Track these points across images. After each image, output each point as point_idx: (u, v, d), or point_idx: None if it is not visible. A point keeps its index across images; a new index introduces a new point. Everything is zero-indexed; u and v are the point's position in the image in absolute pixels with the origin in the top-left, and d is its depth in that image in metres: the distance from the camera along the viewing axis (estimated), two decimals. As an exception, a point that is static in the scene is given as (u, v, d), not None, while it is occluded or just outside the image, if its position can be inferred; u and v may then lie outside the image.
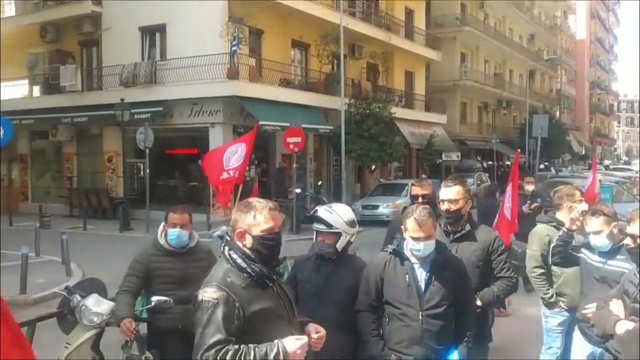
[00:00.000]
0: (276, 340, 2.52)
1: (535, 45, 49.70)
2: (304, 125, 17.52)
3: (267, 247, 2.64)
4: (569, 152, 50.95)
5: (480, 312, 3.89)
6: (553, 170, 33.80)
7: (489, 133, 37.68)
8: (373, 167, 24.54)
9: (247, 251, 2.64)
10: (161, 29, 20.31)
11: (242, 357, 2.43)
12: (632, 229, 3.24)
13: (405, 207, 14.91)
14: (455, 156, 30.55)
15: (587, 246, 4.02)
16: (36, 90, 23.98)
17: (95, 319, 3.90)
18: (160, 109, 19.24)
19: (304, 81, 23.19)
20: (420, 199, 4.60)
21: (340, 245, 3.69)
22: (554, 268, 4.71)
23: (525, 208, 8.25)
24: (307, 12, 20.95)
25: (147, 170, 17.97)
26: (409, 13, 30.68)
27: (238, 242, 2.66)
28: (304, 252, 5.43)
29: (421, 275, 3.42)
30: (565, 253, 4.21)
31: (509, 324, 7.10)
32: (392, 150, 23.11)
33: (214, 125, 19.14)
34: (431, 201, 4.47)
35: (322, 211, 3.71)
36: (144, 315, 4.42)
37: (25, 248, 9.40)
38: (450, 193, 3.92)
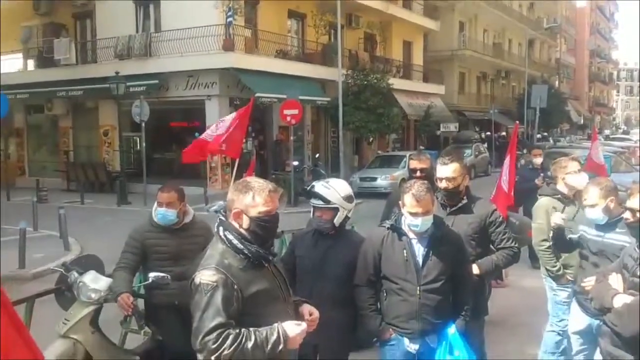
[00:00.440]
0: (276, 325, 2.51)
1: (535, 14, 49.11)
2: (301, 97, 17.37)
3: (264, 229, 2.61)
4: (567, 122, 50.80)
5: (477, 286, 3.89)
6: (551, 141, 33.71)
7: (487, 103, 37.45)
8: (371, 138, 24.44)
9: (243, 232, 2.60)
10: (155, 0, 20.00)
11: (243, 341, 2.42)
12: (631, 202, 3.21)
13: (403, 179, 15.05)
14: (453, 127, 30.42)
15: (587, 220, 4.01)
16: (30, 64, 23.74)
17: (93, 295, 3.90)
18: (156, 81, 19.06)
19: (301, 52, 22.93)
20: (418, 173, 4.58)
21: (337, 220, 3.68)
22: None
23: (538, 181, 8.00)
24: (303, -18, 20.62)
25: (144, 144, 17.90)
26: (407, -19, 30.23)
27: (234, 223, 2.62)
28: (301, 225, 5.44)
29: (419, 250, 3.41)
30: (562, 240, 4.22)
31: (507, 295, 7.14)
32: (390, 122, 23.00)
33: (210, 97, 18.98)
34: (429, 175, 4.45)
35: (319, 187, 3.68)
36: (142, 291, 4.42)
37: (23, 223, 9.39)
38: (447, 171, 3.88)
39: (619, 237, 3.77)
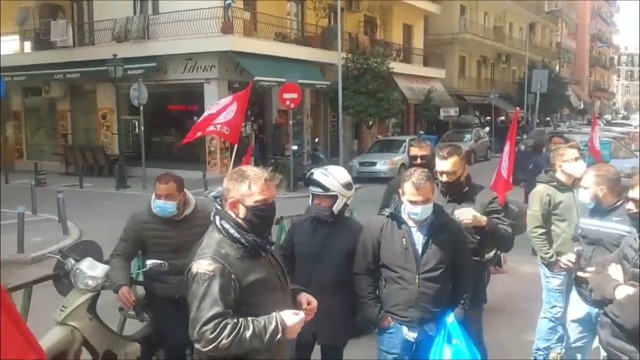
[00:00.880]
0: (274, 314, 2.50)
1: (536, -3, 48.70)
2: (300, 81, 17.25)
3: (261, 218, 2.58)
4: (567, 106, 50.61)
5: (476, 275, 3.88)
6: (552, 126, 33.59)
7: (487, 88, 37.25)
8: (370, 123, 24.34)
9: (240, 221, 2.57)
10: (153, -19, 19.82)
11: (241, 331, 2.41)
12: (634, 193, 3.18)
13: (403, 164, 15.01)
14: (453, 111, 30.30)
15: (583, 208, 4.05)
16: (27, 46, 23.53)
17: (90, 282, 3.88)
18: (154, 64, 18.92)
19: (300, 35, 22.73)
20: (418, 160, 4.56)
21: (336, 208, 3.66)
22: (553, 227, 4.72)
23: None
24: (302, -37, 20.39)
25: (142, 127, 17.81)
26: (408, -36, 29.89)
27: (230, 212, 2.59)
28: (300, 211, 5.41)
29: (418, 238, 3.39)
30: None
31: (505, 282, 7.16)
32: (390, 106, 22.88)
33: (209, 81, 18.85)
34: (430, 162, 4.42)
35: (318, 174, 3.65)
36: (140, 278, 4.40)
37: (21, 207, 9.36)
38: (446, 165, 3.86)
39: (616, 226, 3.78)
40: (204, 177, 16.12)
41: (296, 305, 2.75)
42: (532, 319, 5.30)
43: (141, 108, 17.32)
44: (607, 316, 2.93)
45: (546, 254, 4.71)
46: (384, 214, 3.54)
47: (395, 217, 3.44)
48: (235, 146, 6.88)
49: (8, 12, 21.86)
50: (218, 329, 2.38)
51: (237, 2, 18.55)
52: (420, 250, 3.37)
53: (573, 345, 4.26)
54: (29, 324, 3.79)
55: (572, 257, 3.91)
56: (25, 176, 17.10)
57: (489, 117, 32.29)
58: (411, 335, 3.43)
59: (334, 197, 3.62)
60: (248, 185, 2.55)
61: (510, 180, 5.89)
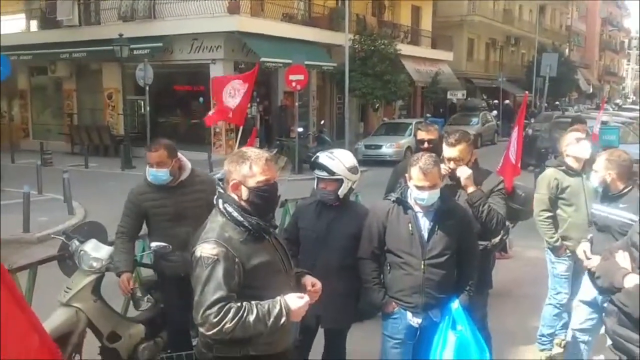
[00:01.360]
0: (278, 298, 2.49)
1: (547, -21, 48.02)
2: (306, 62, 17.13)
3: (263, 199, 2.56)
4: (576, 90, 50.14)
5: (482, 260, 3.84)
6: (560, 110, 33.32)
7: (495, 71, 36.92)
8: (377, 105, 24.20)
9: (243, 203, 2.55)
10: (159, -41, 19.60)
11: (244, 315, 2.40)
12: None
13: (409, 147, 14.90)
14: (460, 95, 30.09)
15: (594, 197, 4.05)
16: (33, 25, 23.43)
17: (94, 264, 3.87)
18: (160, 44, 18.82)
19: (307, 16, 22.53)
20: (426, 144, 4.51)
21: (342, 191, 3.63)
22: (559, 212, 4.69)
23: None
24: (310, -57, 20.14)
25: (148, 108, 17.77)
26: (417, -56, 29.50)
27: (233, 194, 2.57)
28: (305, 194, 5.38)
29: (424, 224, 3.36)
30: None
31: (511, 267, 7.13)
32: (397, 89, 22.73)
33: (215, 61, 18.75)
34: (437, 146, 4.37)
35: (324, 157, 3.61)
36: (144, 260, 4.39)
37: (26, 187, 9.38)
38: (454, 152, 3.81)
39: (621, 214, 3.79)
40: (209, 159, 16.09)
41: (300, 287, 2.74)
42: (537, 304, 5.28)
43: (147, 88, 17.29)
44: (614, 304, 2.90)
45: (551, 238, 4.68)
46: (390, 199, 3.50)
47: (402, 202, 3.40)
48: (241, 128, 6.85)
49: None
50: (222, 313, 2.37)
51: (243, -19, 18.37)
52: (426, 236, 3.34)
53: (581, 326, 4.23)
54: (34, 304, 3.82)
55: (587, 246, 3.86)
56: (31, 155, 17.14)
57: (496, 101, 32.04)
58: (415, 321, 3.42)
59: (340, 181, 3.59)
60: (249, 166, 2.53)
61: (519, 165, 5.85)
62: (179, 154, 4.05)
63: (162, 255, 3.96)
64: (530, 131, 15.23)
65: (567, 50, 48.93)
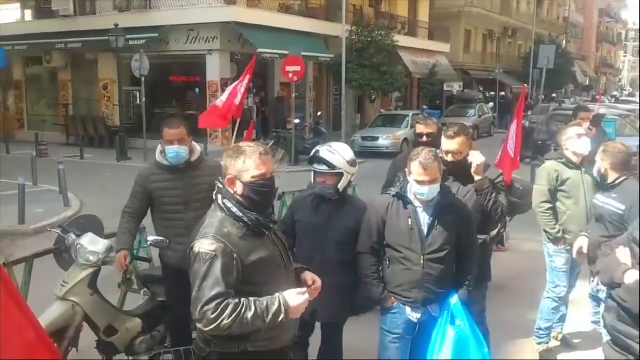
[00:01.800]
0: (277, 294, 2.47)
1: (544, -30, 47.89)
2: (303, 53, 17.06)
3: (259, 194, 2.53)
4: (573, 82, 50.09)
5: (482, 254, 3.83)
6: (557, 102, 33.30)
7: (492, 62, 36.89)
8: (374, 97, 24.15)
9: (240, 199, 2.53)
10: (155, -51, 19.45)
11: (243, 311, 2.38)
12: None
13: (405, 139, 14.84)
14: (457, 86, 30.04)
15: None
16: (28, 15, 23.23)
17: (91, 258, 3.84)
18: (156, 35, 18.70)
19: (304, 7, 22.42)
20: (425, 138, 4.49)
21: (341, 185, 3.62)
22: (558, 204, 4.69)
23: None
24: None
25: (144, 99, 17.68)
26: None
27: (229, 189, 2.55)
28: (302, 185, 5.36)
29: (424, 219, 3.34)
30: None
31: (508, 260, 7.13)
32: (394, 80, 22.68)
33: (211, 52, 18.66)
34: (436, 139, 4.34)
35: (324, 152, 3.59)
36: (141, 253, 4.37)
37: (21, 178, 9.32)
38: (452, 145, 3.78)
39: (612, 203, 3.96)
40: (205, 150, 16.02)
41: (300, 284, 2.72)
42: (535, 297, 5.29)
43: (143, 79, 17.19)
44: (614, 300, 2.89)
45: (552, 229, 4.69)
46: (389, 194, 3.49)
47: (401, 197, 3.38)
48: (238, 120, 6.81)
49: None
50: (219, 309, 2.35)
51: (240, -28, 18.25)
52: (425, 230, 3.32)
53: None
54: (30, 298, 3.79)
55: (584, 241, 3.91)
56: (26, 146, 17.05)
57: (493, 93, 32.03)
58: (414, 316, 3.41)
59: (340, 175, 3.57)
60: (243, 161, 2.51)
61: (518, 159, 5.83)
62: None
63: (159, 247, 3.92)
64: (527, 123, 15.20)
65: (564, 42, 48.84)
